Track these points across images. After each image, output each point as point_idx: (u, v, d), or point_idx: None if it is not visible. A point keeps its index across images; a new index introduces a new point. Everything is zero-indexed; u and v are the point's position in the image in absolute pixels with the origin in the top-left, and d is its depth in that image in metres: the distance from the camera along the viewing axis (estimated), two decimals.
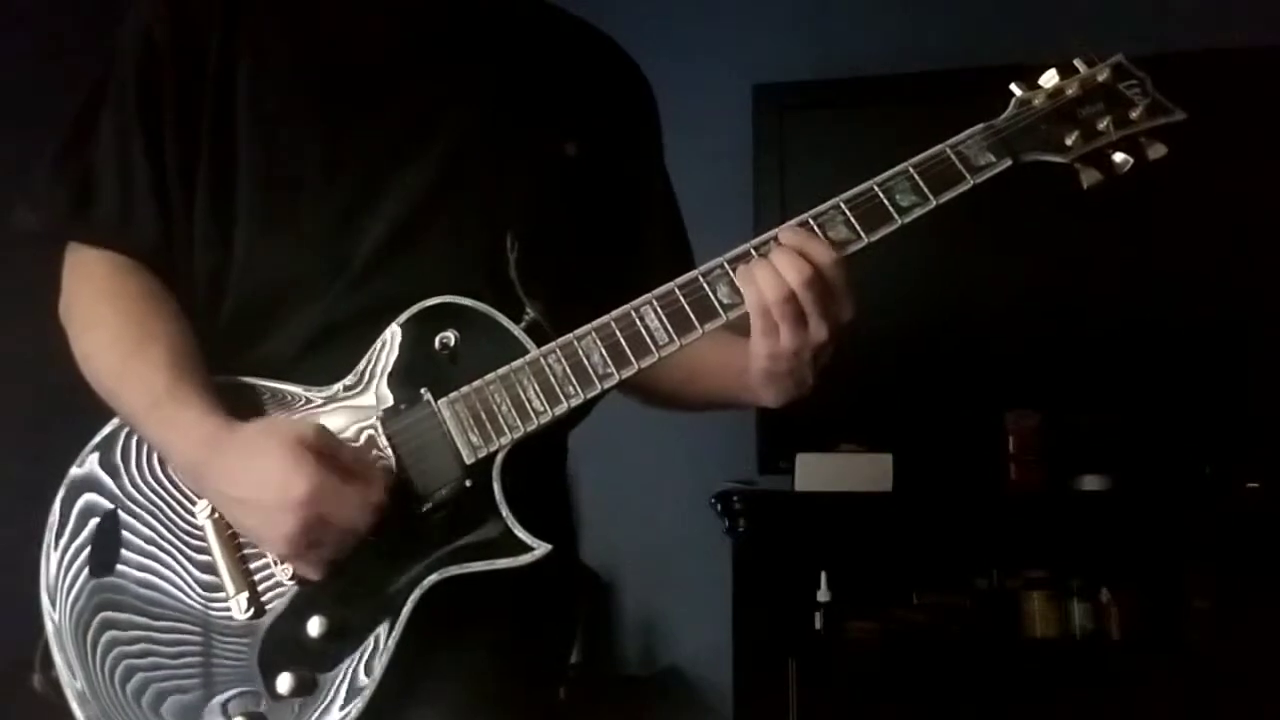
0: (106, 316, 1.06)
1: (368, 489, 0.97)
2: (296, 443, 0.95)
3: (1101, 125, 1.05)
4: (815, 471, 2.79)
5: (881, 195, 1.02)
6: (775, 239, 1.01)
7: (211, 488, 1.00)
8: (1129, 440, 2.81)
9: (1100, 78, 1.07)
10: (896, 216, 1.01)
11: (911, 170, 1.02)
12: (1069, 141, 1.05)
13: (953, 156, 1.03)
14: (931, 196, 1.02)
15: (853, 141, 3.02)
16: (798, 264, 0.98)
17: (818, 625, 2.76)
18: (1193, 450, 2.77)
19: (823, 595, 2.77)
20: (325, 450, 0.96)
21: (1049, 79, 1.08)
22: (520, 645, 1.10)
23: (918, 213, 1.02)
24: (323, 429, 0.98)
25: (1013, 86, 1.08)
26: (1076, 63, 1.08)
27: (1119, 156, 1.06)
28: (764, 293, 0.98)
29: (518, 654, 1.09)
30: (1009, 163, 1.04)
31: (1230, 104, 2.47)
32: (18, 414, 2.36)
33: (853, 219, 1.01)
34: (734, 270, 1.00)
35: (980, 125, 1.05)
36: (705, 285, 1.01)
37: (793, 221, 1.01)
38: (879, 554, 2.81)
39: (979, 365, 2.94)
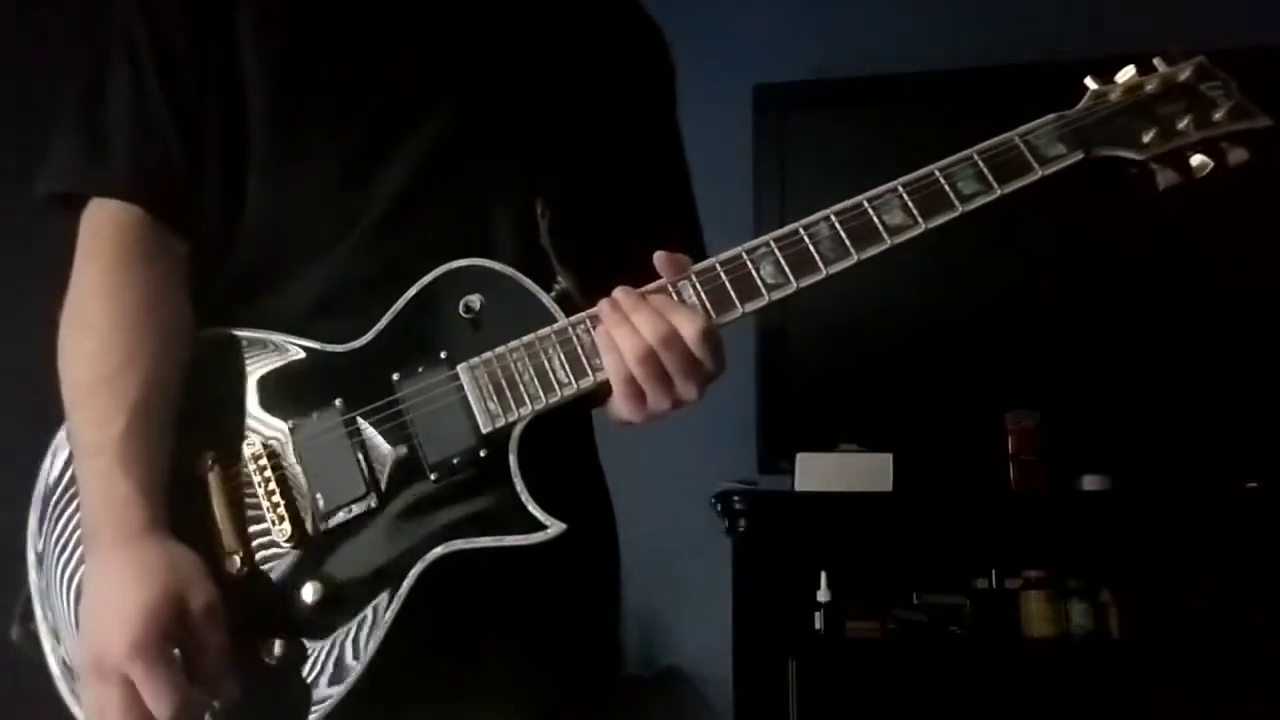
0: (97, 320, 0.98)
1: (179, 682, 0.88)
2: (146, 609, 0.87)
3: (1181, 124, 1.00)
4: (815, 471, 2.79)
5: (943, 181, 0.98)
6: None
7: (87, 568, 0.93)
8: (1129, 440, 2.81)
9: (1181, 77, 1.02)
10: (957, 204, 0.98)
11: (976, 157, 0.99)
12: (1146, 139, 1.00)
13: (1021, 145, 0.99)
14: (996, 185, 0.98)
15: (853, 141, 3.01)
16: (655, 323, 0.92)
17: (818, 625, 2.75)
18: (1193, 450, 2.77)
19: (823, 595, 2.76)
20: (173, 630, 0.88)
21: (1126, 74, 1.03)
22: (547, 636, 1.03)
23: (980, 201, 0.98)
24: (205, 609, 0.89)
25: (1088, 80, 1.03)
26: (1156, 61, 1.03)
27: (1197, 159, 1.00)
28: (625, 355, 0.93)
29: (541, 646, 1.03)
30: (1080, 155, 0.99)
31: None
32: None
33: (910, 203, 0.97)
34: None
35: (1052, 115, 1.01)
36: (749, 263, 0.97)
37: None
38: (879, 554, 2.81)
39: (979, 365, 2.94)
